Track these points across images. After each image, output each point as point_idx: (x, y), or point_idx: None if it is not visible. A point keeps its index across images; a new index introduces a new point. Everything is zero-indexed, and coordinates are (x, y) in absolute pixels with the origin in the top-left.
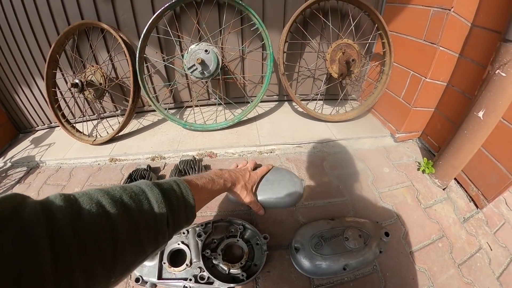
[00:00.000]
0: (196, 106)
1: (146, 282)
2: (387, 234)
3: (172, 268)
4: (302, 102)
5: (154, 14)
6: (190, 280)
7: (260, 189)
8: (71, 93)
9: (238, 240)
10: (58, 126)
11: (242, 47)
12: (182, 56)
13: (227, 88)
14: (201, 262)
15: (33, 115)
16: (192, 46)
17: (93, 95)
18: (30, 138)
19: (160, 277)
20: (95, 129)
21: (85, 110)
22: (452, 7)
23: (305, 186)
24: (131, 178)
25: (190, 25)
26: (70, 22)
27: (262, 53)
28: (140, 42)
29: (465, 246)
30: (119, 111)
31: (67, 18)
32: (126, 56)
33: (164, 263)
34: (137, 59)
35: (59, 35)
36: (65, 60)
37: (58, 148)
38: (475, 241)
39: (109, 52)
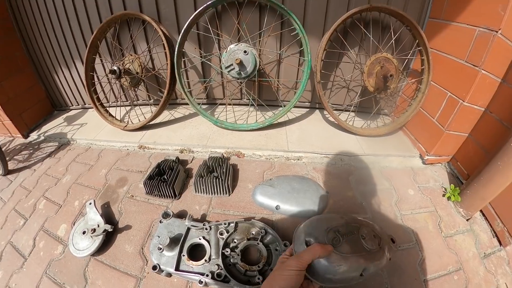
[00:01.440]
0: (229, 104)
1: (162, 271)
2: (393, 241)
3: (191, 261)
4: (334, 112)
5: (195, 10)
6: (207, 276)
7: (285, 196)
8: (108, 78)
9: (258, 244)
10: (92, 108)
11: (280, 52)
12: (221, 54)
13: (260, 90)
14: (220, 259)
15: (69, 95)
16: (232, 46)
17: (129, 83)
18: (64, 116)
19: (177, 268)
20: (126, 115)
21: (120, 96)
22: (499, 29)
23: (329, 198)
24: (159, 168)
25: (230, 25)
26: (113, 12)
27: (299, 58)
28: (180, 36)
29: (482, 283)
30: (152, 100)
31: (111, 8)
32: (165, 49)
33: (183, 255)
34: (175, 53)
35: (102, 22)
36: (104, 47)
37: (89, 128)
38: (493, 280)
39: (148, 43)
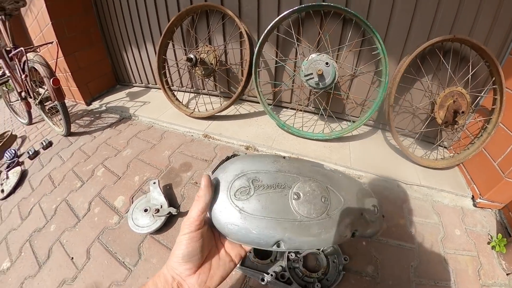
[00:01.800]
0: (300, 111)
1: None
2: (376, 208)
3: (257, 259)
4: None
5: (278, 12)
6: (271, 275)
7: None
8: (177, 64)
9: (320, 253)
10: (155, 88)
11: (358, 69)
12: (300, 61)
13: (330, 101)
14: (285, 262)
15: (134, 72)
16: (313, 55)
17: (202, 73)
18: (126, 91)
19: (242, 263)
20: (190, 102)
21: (191, 84)
22: None
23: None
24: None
25: (312, 33)
26: (193, 1)
27: (373, 77)
28: (262, 36)
29: None
30: (218, 92)
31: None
32: (245, 46)
33: (250, 252)
34: (255, 51)
35: (181, 10)
36: (178, 34)
37: (152, 108)
38: None
39: (225, 37)
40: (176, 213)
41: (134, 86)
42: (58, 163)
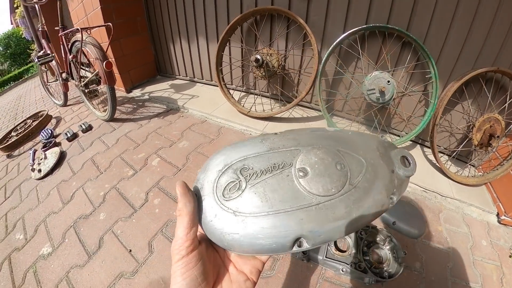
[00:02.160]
0: (357, 122)
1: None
2: (407, 160)
3: (338, 251)
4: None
5: (344, 26)
6: (350, 265)
7: (403, 217)
8: (230, 62)
9: (383, 248)
10: (201, 82)
11: (410, 87)
12: (353, 75)
13: (385, 115)
14: (360, 254)
15: (179, 65)
16: (376, 72)
17: (262, 74)
18: (169, 82)
19: (326, 255)
20: (239, 101)
21: (242, 83)
22: None
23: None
24: None
25: (374, 50)
26: (258, 4)
27: (421, 95)
28: (331, 48)
29: None
30: (270, 94)
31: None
32: (311, 54)
33: (330, 245)
34: (323, 61)
35: (243, 10)
36: (238, 33)
37: (202, 102)
38: None
39: (287, 42)
40: None
41: (177, 79)
42: (101, 148)
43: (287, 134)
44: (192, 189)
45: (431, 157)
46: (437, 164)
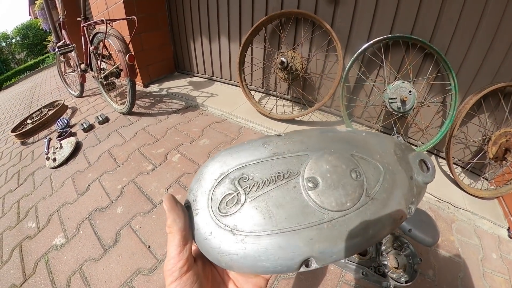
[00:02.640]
0: (376, 129)
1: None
2: (426, 165)
3: (359, 255)
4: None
5: (369, 34)
6: (371, 268)
7: (418, 224)
8: (251, 62)
9: (400, 254)
10: (220, 81)
11: (429, 97)
12: (375, 82)
13: (405, 125)
14: (380, 259)
15: (198, 62)
16: (399, 82)
17: (287, 77)
18: (187, 79)
19: (347, 258)
20: (259, 102)
21: (274, 86)
22: None
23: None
24: None
25: (396, 60)
26: (284, 7)
27: (440, 107)
28: (356, 55)
29: None
30: (290, 96)
31: (282, 1)
32: (335, 60)
33: None
34: (347, 67)
35: (268, 12)
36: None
37: (221, 101)
38: None
39: (311, 46)
40: None
41: (195, 76)
42: (118, 140)
43: (293, 136)
44: (184, 202)
45: (446, 168)
46: (451, 175)
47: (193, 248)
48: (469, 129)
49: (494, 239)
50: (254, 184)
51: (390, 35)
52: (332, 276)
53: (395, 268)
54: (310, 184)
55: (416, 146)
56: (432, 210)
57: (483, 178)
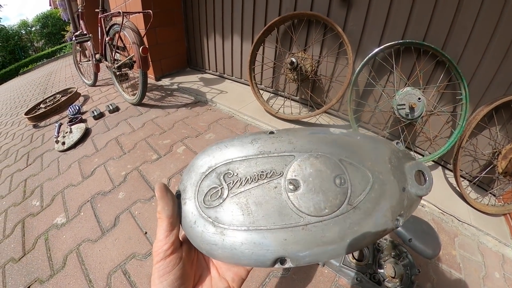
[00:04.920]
0: (383, 136)
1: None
2: (423, 176)
3: (355, 260)
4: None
5: (381, 38)
6: (365, 275)
7: (420, 236)
8: (262, 62)
9: (398, 263)
10: (230, 79)
11: (440, 108)
12: (384, 88)
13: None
14: (376, 266)
15: (210, 59)
16: (408, 88)
17: (296, 78)
18: (198, 75)
19: (342, 262)
20: (268, 101)
21: (283, 86)
22: None
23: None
24: None
25: (407, 66)
26: (297, 8)
27: (449, 116)
28: (366, 59)
29: None
30: (299, 98)
31: (296, 3)
32: (345, 63)
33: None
34: (356, 71)
35: (281, 12)
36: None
37: (230, 98)
38: None
39: (322, 48)
40: None
41: (207, 73)
42: (126, 129)
43: (282, 135)
44: (175, 190)
45: (452, 180)
46: (457, 188)
47: (183, 233)
48: (479, 141)
49: (498, 258)
50: (237, 181)
51: (402, 41)
52: (326, 279)
53: (392, 277)
54: (291, 186)
55: (423, 155)
56: (435, 221)
57: (490, 193)
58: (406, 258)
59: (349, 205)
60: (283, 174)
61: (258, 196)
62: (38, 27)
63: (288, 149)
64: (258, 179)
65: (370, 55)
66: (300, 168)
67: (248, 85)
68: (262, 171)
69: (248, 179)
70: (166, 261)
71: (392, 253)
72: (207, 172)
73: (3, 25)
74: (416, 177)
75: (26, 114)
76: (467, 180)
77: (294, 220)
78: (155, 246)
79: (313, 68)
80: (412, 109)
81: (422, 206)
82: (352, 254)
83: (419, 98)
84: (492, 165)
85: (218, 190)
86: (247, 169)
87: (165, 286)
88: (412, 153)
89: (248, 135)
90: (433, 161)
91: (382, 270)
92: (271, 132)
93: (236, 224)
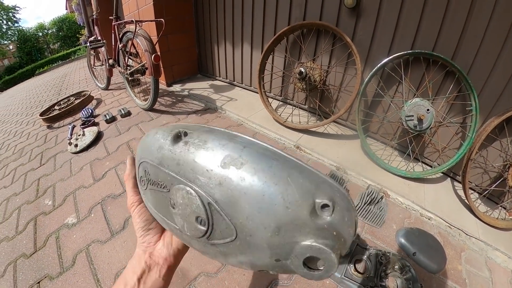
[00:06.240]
0: (391, 146)
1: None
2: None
3: (356, 272)
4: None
5: (390, 48)
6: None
7: (424, 249)
8: (271, 70)
9: (400, 277)
10: (240, 86)
11: (450, 119)
12: (393, 99)
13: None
14: (378, 279)
15: (221, 67)
16: (417, 99)
17: (304, 87)
18: (209, 82)
19: (344, 274)
20: (276, 110)
21: (292, 95)
22: None
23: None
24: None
25: (416, 76)
26: (306, 18)
27: (459, 127)
28: (375, 69)
29: None
30: (307, 107)
31: (305, 12)
32: (353, 73)
33: (350, 265)
34: (365, 81)
35: (291, 21)
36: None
37: (239, 106)
38: None
39: (331, 58)
40: None
41: (217, 80)
42: (137, 134)
43: (181, 149)
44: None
45: (461, 192)
46: (466, 200)
47: None
48: (489, 153)
49: (507, 274)
50: (149, 180)
51: (411, 51)
52: None
53: None
54: (172, 202)
55: (431, 167)
56: (442, 235)
57: (501, 206)
58: (409, 272)
59: (208, 240)
60: (170, 191)
61: (156, 198)
62: (54, 30)
63: (174, 171)
64: (157, 186)
65: (379, 65)
66: (174, 195)
67: (257, 93)
68: (159, 181)
69: (153, 181)
70: (139, 207)
71: (395, 266)
72: (139, 163)
73: (22, 27)
74: (312, 260)
75: (41, 115)
76: (477, 192)
77: (174, 224)
78: (128, 200)
79: (322, 78)
80: (420, 120)
81: (429, 219)
82: (355, 266)
83: (428, 109)
84: (502, 178)
85: (144, 179)
86: (153, 174)
87: (143, 221)
88: (420, 164)
89: (165, 132)
90: (441, 172)
91: (384, 283)
92: (185, 133)
93: (150, 206)
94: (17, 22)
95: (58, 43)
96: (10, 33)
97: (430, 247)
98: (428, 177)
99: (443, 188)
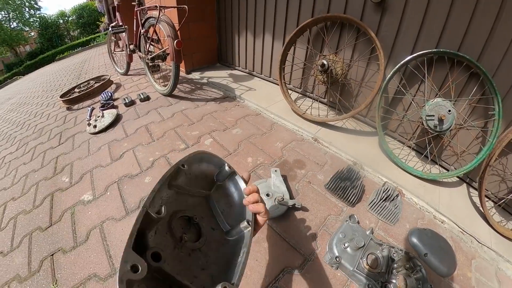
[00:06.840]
0: (408, 147)
1: (339, 263)
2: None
3: (368, 266)
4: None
5: (414, 46)
6: (378, 283)
7: (435, 250)
8: (292, 62)
9: (411, 276)
10: (259, 77)
11: (471, 122)
12: (414, 97)
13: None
14: (389, 275)
15: (241, 56)
16: (439, 99)
17: (326, 80)
18: (228, 71)
19: (356, 267)
20: (295, 102)
21: (312, 87)
22: None
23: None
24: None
25: (440, 76)
26: (330, 11)
27: (480, 131)
28: (398, 66)
29: None
30: (327, 100)
31: (329, 5)
32: (376, 69)
33: (362, 259)
34: (387, 78)
35: (314, 14)
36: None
37: (258, 96)
38: None
39: (353, 52)
40: (299, 207)
41: (236, 69)
42: (156, 118)
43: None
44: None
45: (476, 199)
46: (481, 208)
47: None
48: (509, 161)
49: None
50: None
51: (435, 50)
52: (337, 282)
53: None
54: None
55: (448, 170)
56: (454, 240)
57: None
58: (419, 272)
59: None
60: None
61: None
62: (74, 17)
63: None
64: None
65: (402, 62)
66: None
67: (277, 84)
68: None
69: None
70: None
71: (406, 265)
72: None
73: (44, 14)
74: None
75: (61, 97)
76: (492, 201)
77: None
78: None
79: (344, 72)
80: (441, 121)
81: (442, 222)
82: (367, 261)
83: (449, 110)
84: None
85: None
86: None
87: None
88: (436, 166)
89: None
90: (457, 177)
91: (394, 281)
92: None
93: None
94: (39, 10)
95: (78, 30)
96: (32, 20)
97: (442, 250)
98: (444, 180)
99: (458, 193)
